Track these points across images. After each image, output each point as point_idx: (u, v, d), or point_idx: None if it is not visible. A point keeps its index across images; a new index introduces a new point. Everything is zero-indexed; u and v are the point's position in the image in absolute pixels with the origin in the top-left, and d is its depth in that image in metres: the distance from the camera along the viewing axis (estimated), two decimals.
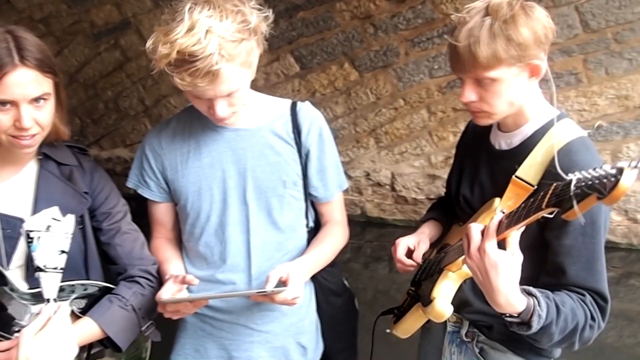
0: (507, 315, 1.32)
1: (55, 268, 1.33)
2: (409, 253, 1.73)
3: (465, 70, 1.44)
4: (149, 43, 1.45)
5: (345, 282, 1.92)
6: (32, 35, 1.45)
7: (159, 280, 1.66)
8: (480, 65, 1.39)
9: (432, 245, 1.80)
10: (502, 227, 1.25)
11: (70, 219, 1.40)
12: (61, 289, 1.46)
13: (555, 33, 1.47)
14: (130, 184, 1.74)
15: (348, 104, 5.30)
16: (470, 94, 1.46)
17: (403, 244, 1.74)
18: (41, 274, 1.33)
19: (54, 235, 1.35)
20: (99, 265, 1.64)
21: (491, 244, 1.25)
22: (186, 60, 1.40)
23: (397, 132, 5.24)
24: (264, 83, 5.28)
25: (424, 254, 1.73)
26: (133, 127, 6.24)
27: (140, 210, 1.80)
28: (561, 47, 4.42)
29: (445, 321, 1.66)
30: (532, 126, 1.52)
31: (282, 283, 1.53)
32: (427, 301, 1.57)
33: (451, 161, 1.86)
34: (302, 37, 5.19)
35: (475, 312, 1.63)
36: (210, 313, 1.74)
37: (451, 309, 1.53)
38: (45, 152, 1.57)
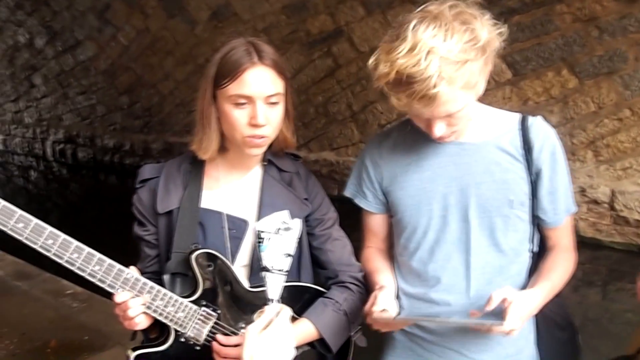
0: None
1: (280, 270, 1.38)
2: None
3: None
4: (371, 60, 1.45)
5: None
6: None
7: (365, 286, 1.69)
8: None
9: None
10: None
11: (298, 223, 1.45)
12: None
13: None
14: (348, 193, 1.76)
15: (564, 113, 4.95)
16: None
17: None
18: (267, 274, 1.38)
19: (282, 237, 1.40)
20: (311, 268, 1.71)
21: None
22: (404, 82, 1.37)
23: (621, 145, 4.78)
24: None
25: None
26: (340, 131, 6.45)
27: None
28: None
29: None
30: None
31: (501, 306, 1.43)
32: None
33: None
34: (517, 42, 4.95)
35: None
36: (420, 334, 1.68)
37: None
38: (270, 159, 1.66)
